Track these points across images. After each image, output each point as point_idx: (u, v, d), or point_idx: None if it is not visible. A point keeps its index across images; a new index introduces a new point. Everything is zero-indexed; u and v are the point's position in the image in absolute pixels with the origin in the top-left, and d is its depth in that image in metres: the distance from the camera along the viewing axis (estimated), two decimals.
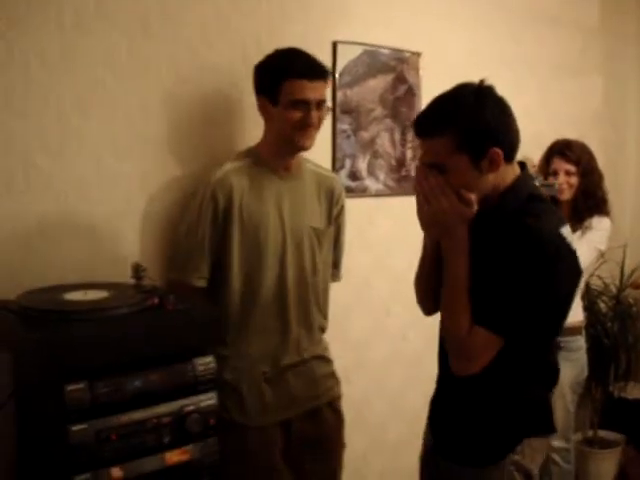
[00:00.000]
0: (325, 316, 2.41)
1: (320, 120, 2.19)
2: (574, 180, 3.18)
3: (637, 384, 3.90)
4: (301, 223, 2.25)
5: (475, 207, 1.71)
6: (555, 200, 3.17)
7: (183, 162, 2.30)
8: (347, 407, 2.65)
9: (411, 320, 3.10)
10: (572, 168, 3.18)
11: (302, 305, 2.27)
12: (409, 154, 2.97)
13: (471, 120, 1.65)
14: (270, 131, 2.22)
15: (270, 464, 2.22)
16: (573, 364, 3.26)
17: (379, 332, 2.99)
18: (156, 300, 1.88)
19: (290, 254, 2.22)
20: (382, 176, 2.89)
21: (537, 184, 3.10)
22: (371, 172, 2.85)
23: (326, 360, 2.38)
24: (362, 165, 2.82)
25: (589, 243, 3.18)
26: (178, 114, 2.29)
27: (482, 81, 1.72)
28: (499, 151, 1.67)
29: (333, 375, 2.39)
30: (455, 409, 1.85)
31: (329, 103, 2.33)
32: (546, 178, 3.21)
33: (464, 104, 1.67)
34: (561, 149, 3.22)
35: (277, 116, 2.16)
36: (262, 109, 2.21)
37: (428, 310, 1.99)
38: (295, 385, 2.26)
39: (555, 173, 3.20)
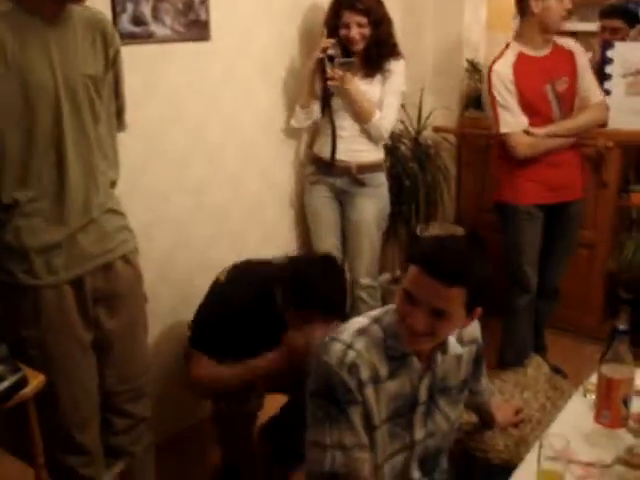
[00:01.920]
0: (114, 169, 2.30)
1: None
2: (366, 31, 3.20)
3: (438, 223, 4.09)
4: (75, 72, 2.07)
5: None
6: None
7: None
8: (150, 263, 2.61)
9: (210, 172, 3.07)
10: (363, 19, 3.17)
11: (85, 160, 2.13)
12: None
13: None
14: None
15: (67, 323, 2.14)
16: (377, 200, 3.42)
17: (178, 185, 2.92)
18: None
19: (66, 108, 2.05)
20: (169, 21, 2.73)
21: (338, 62, 3.14)
22: (156, 16, 2.68)
23: (118, 213, 2.28)
24: (146, 9, 2.64)
25: (394, 90, 3.34)
26: None
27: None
28: None
29: (126, 228, 2.30)
30: None
31: None
32: (336, 33, 3.19)
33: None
34: (349, 1, 3.17)
35: None
36: None
37: None
38: (85, 242, 2.15)
39: (347, 26, 3.18)
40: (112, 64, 2.22)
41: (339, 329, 1.89)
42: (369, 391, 1.82)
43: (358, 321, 1.90)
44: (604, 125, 3.38)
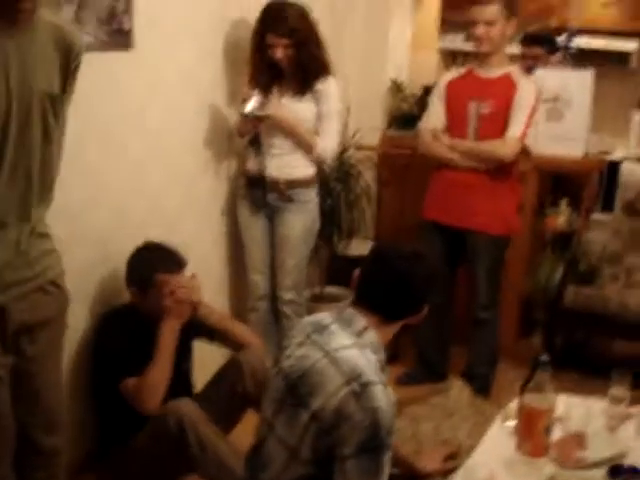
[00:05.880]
0: (51, 195, 2.15)
1: None
2: (290, 51, 3.20)
3: (359, 241, 4.08)
4: (31, 88, 1.92)
5: None
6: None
7: None
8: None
9: (132, 187, 2.97)
10: (286, 41, 3.17)
11: (22, 187, 1.97)
12: (121, 5, 2.73)
13: None
14: None
15: None
16: (305, 216, 3.43)
17: (96, 200, 2.81)
18: None
19: (14, 126, 1.90)
20: (91, 29, 2.63)
21: (251, 116, 3.14)
22: (78, 24, 2.57)
23: (44, 236, 2.11)
24: (67, 16, 2.53)
25: (330, 112, 3.34)
26: None
27: None
28: None
29: (53, 250, 2.15)
30: None
31: None
32: (263, 53, 3.22)
33: None
34: (273, 24, 3.17)
35: None
36: None
37: None
38: (6, 270, 1.99)
39: (271, 48, 3.19)
40: (72, 81, 2.10)
41: (355, 373, 1.79)
42: None
43: (354, 355, 1.84)
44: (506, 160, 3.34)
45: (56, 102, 2.03)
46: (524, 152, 3.45)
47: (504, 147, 3.30)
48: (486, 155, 3.33)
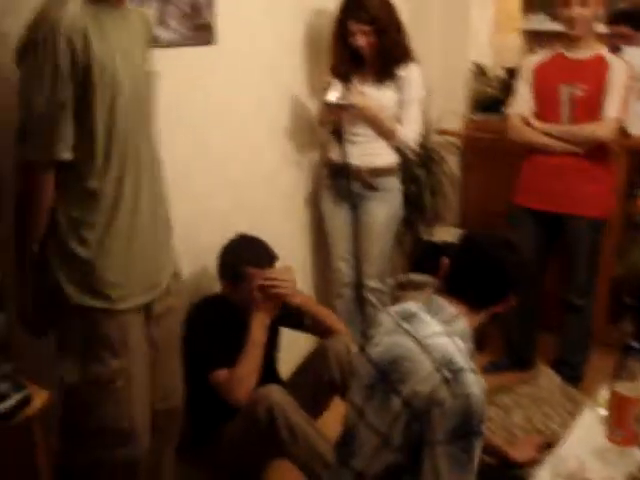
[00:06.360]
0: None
1: None
2: (372, 38, 3.20)
3: (443, 227, 4.05)
4: (140, 68, 2.02)
5: None
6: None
7: None
8: None
9: (213, 181, 3.02)
10: (367, 28, 3.17)
11: (153, 166, 2.12)
12: None
13: None
14: None
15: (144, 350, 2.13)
16: (389, 204, 3.44)
17: (179, 194, 2.87)
18: None
19: (134, 104, 1.98)
20: (174, 24, 2.69)
21: (333, 105, 3.14)
22: (161, 20, 2.63)
23: (170, 226, 2.25)
24: (149, 12, 2.59)
25: (411, 98, 3.33)
26: None
27: None
28: None
29: (170, 240, 2.28)
30: None
31: None
32: (345, 41, 3.22)
33: None
34: (355, 11, 3.17)
35: None
36: None
37: None
38: (149, 261, 2.09)
39: (353, 35, 3.20)
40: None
41: (445, 359, 1.79)
42: None
43: (444, 342, 1.84)
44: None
45: (154, 80, 2.12)
46: (621, 132, 3.38)
47: (603, 128, 3.24)
48: (585, 138, 3.26)
